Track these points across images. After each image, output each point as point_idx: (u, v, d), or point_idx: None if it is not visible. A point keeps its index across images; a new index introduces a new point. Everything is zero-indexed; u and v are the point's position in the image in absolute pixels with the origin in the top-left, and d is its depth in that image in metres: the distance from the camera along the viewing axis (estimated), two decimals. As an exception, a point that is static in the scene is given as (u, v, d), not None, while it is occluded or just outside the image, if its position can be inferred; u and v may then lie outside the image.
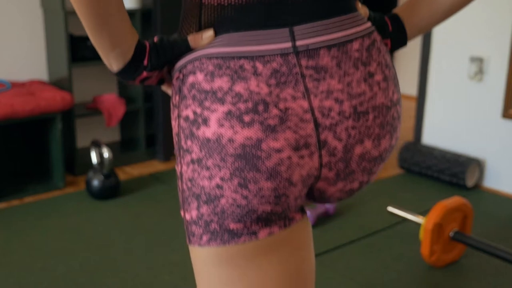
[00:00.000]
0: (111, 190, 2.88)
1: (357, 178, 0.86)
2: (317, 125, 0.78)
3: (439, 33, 3.24)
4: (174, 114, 0.82)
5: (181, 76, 0.80)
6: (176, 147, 0.82)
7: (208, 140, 0.76)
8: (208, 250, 0.81)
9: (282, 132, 0.76)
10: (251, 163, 0.76)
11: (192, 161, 0.79)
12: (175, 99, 0.81)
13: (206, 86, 0.76)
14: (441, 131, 3.35)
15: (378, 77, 0.82)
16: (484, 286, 2.17)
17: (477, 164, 3.12)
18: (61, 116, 2.97)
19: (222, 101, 0.75)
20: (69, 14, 3.07)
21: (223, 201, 0.78)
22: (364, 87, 0.81)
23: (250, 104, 0.75)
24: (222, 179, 0.77)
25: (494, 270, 2.29)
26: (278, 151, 0.76)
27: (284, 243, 0.83)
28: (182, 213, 0.83)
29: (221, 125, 0.75)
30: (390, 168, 3.50)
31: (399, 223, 2.69)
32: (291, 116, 0.76)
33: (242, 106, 0.75)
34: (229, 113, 0.75)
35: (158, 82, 0.84)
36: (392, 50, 0.91)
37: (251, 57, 0.76)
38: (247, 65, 0.76)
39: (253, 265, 0.81)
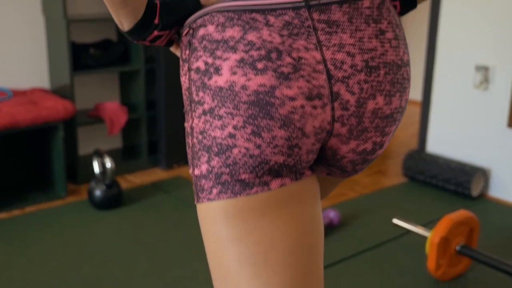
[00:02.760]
0: (113, 200, 2.86)
1: (370, 137, 0.85)
2: (330, 76, 0.78)
3: (444, 41, 3.21)
4: (184, 69, 0.81)
5: (191, 31, 0.80)
6: (186, 103, 0.81)
7: (220, 88, 0.76)
8: (217, 205, 0.78)
9: (295, 80, 0.76)
10: (265, 110, 0.75)
11: (204, 112, 0.77)
12: (184, 54, 0.81)
13: (217, 36, 0.76)
14: (446, 140, 3.32)
15: (389, 34, 0.83)
16: (491, 301, 2.14)
17: (483, 174, 3.09)
18: (63, 125, 2.94)
19: (234, 49, 0.75)
20: (71, 22, 3.05)
21: (235, 151, 0.76)
22: (376, 43, 0.81)
23: (263, 52, 0.75)
24: (235, 127, 0.76)
25: (501, 284, 2.26)
26: (292, 99, 0.76)
27: (294, 198, 0.81)
28: (190, 170, 0.81)
29: (234, 73, 0.75)
30: (394, 177, 3.48)
31: (404, 235, 2.66)
32: (304, 66, 0.77)
33: (255, 53, 0.75)
34: (241, 61, 0.75)
35: (167, 43, 0.84)
36: (401, 13, 0.90)
37: (263, 11, 0.76)
38: (259, 17, 0.76)
39: (264, 219, 0.78)
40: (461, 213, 2.25)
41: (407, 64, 0.86)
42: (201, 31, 0.78)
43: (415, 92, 5.35)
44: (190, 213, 2.86)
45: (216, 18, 0.77)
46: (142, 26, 0.79)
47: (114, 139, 3.67)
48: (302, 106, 0.77)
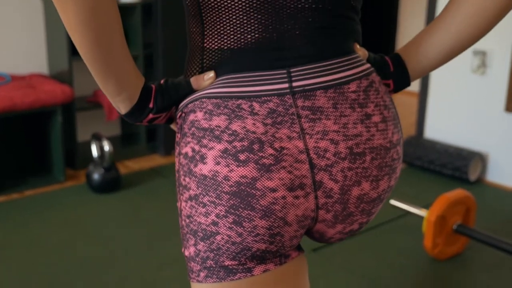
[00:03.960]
0: (112, 184, 2.87)
1: (357, 220, 0.86)
2: (312, 165, 0.79)
3: (442, 26, 3.22)
4: (176, 151, 0.84)
5: (182, 115, 0.82)
6: (176, 183, 0.85)
7: (204, 177, 0.78)
8: (206, 287, 0.82)
9: (276, 172, 0.77)
10: (246, 201, 0.77)
11: (190, 198, 0.80)
12: (177, 137, 0.84)
13: (205, 124, 0.78)
14: (444, 125, 3.33)
15: (376, 118, 0.83)
16: (487, 278, 2.15)
17: (480, 158, 3.10)
18: (61, 109, 2.95)
19: (219, 139, 0.77)
20: (70, 7, 3.04)
21: (218, 238, 0.79)
22: (361, 128, 0.81)
23: (246, 143, 0.76)
24: (217, 216, 0.78)
25: (497, 262, 2.27)
26: (273, 190, 0.77)
27: (279, 281, 0.83)
28: (182, 249, 0.85)
29: (217, 163, 0.77)
30: (392, 163, 3.49)
31: (401, 217, 2.67)
32: (286, 156, 0.77)
33: (238, 144, 0.76)
34: (225, 151, 0.76)
35: (167, 121, 0.87)
36: (395, 91, 0.90)
37: (249, 97, 0.78)
38: (245, 105, 0.78)
39: None
40: (458, 192, 2.26)
41: (397, 144, 0.86)
42: (191, 117, 0.80)
43: (413, 84, 5.35)
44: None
45: (205, 105, 0.79)
46: (138, 110, 0.81)
47: (113, 126, 3.68)
48: (284, 197, 0.77)
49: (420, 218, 2.67)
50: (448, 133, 3.31)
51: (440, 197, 2.21)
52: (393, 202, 2.46)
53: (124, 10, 3.33)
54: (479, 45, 3.06)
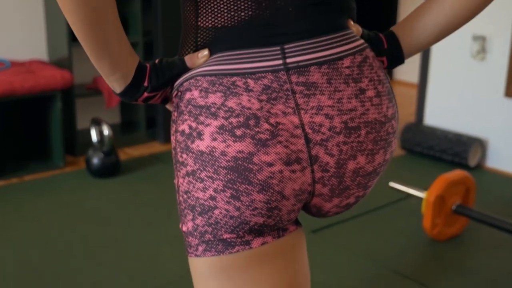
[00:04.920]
0: (111, 168, 2.87)
1: (353, 193, 0.87)
2: (308, 140, 0.79)
3: (442, 12, 3.21)
4: (172, 129, 0.85)
5: (179, 93, 0.83)
6: (173, 161, 0.85)
7: (202, 153, 0.79)
8: (204, 261, 0.82)
9: (273, 147, 0.78)
10: (243, 176, 0.78)
11: (187, 174, 0.81)
12: (174, 115, 0.85)
13: (201, 101, 0.79)
14: (444, 111, 3.33)
15: (370, 92, 0.83)
16: (486, 258, 2.15)
17: (480, 144, 3.10)
18: (60, 95, 2.95)
19: (215, 115, 0.78)
20: (69, -8, 3.04)
21: (216, 212, 0.79)
22: (355, 103, 0.82)
23: (241, 119, 0.77)
24: (215, 190, 0.79)
25: (496, 243, 2.27)
26: (270, 164, 0.78)
27: (277, 254, 0.84)
28: (180, 225, 0.86)
29: (214, 139, 0.78)
30: (392, 150, 3.49)
31: (401, 200, 2.67)
32: (282, 131, 0.78)
33: (234, 120, 0.77)
34: (221, 127, 0.78)
35: (162, 101, 0.88)
36: (389, 68, 0.91)
37: (243, 74, 0.79)
38: (239, 82, 0.79)
39: (247, 276, 0.82)
40: (457, 173, 2.26)
41: (392, 118, 0.87)
42: (187, 95, 0.81)
43: (413, 74, 5.35)
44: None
45: (200, 83, 0.80)
46: (132, 89, 0.82)
47: (112, 114, 3.68)
48: (281, 171, 0.78)
49: (420, 200, 2.68)
50: (448, 119, 3.31)
51: (439, 177, 2.21)
52: (392, 184, 2.46)
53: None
54: (479, 30, 3.06)
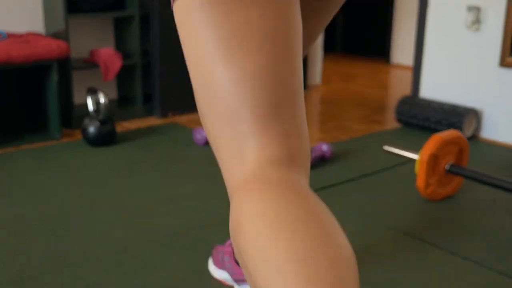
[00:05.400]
0: (107, 137, 2.88)
1: None
2: None
3: (437, -16, 3.23)
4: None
5: None
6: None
7: None
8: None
9: None
10: None
11: None
12: None
13: None
14: (439, 84, 3.34)
15: None
16: (480, 216, 2.16)
17: (475, 114, 3.11)
18: (57, 66, 2.96)
19: None
20: (65, -36, 3.06)
21: None
22: None
23: None
24: None
25: (490, 202, 2.28)
26: None
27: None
28: None
29: None
30: (387, 122, 3.50)
31: (396, 165, 2.68)
32: None
33: None
34: None
35: None
36: None
37: None
38: None
39: (239, 2, 0.78)
40: (450, 132, 2.27)
41: None
42: None
43: (409, 58, 5.37)
44: (185, 150, 2.88)
45: None
46: None
47: (109, 89, 3.69)
48: None
49: (414, 164, 2.70)
50: (443, 91, 3.32)
51: (432, 136, 2.23)
52: (386, 148, 2.47)
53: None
54: (473, 0, 3.07)
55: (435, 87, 3.36)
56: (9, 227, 2.02)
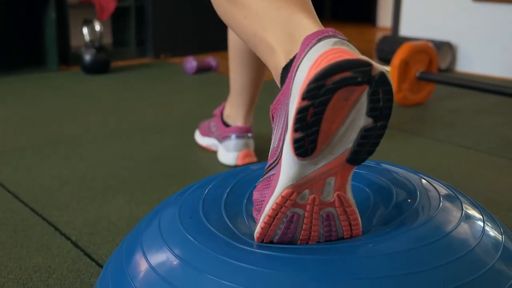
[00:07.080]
0: (103, 64, 3.04)
1: None
2: None
3: None
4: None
5: None
6: None
7: None
8: None
9: None
10: None
11: None
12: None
13: None
14: (417, 22, 3.52)
15: None
16: (448, 115, 2.34)
17: (449, 47, 3.29)
18: (54, 2, 3.10)
19: None
20: None
21: None
22: None
23: None
24: None
25: (458, 108, 2.46)
26: None
27: None
28: None
29: None
30: (369, 63, 3.67)
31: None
32: None
33: None
34: None
35: None
36: None
37: None
38: None
39: None
40: (420, 42, 2.45)
41: None
42: None
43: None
44: (177, 77, 3.06)
45: None
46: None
47: (104, 35, 3.84)
48: None
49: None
50: (421, 28, 3.50)
51: (403, 44, 2.40)
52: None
53: None
54: None
55: (414, 25, 3.54)
56: (15, 124, 2.19)
